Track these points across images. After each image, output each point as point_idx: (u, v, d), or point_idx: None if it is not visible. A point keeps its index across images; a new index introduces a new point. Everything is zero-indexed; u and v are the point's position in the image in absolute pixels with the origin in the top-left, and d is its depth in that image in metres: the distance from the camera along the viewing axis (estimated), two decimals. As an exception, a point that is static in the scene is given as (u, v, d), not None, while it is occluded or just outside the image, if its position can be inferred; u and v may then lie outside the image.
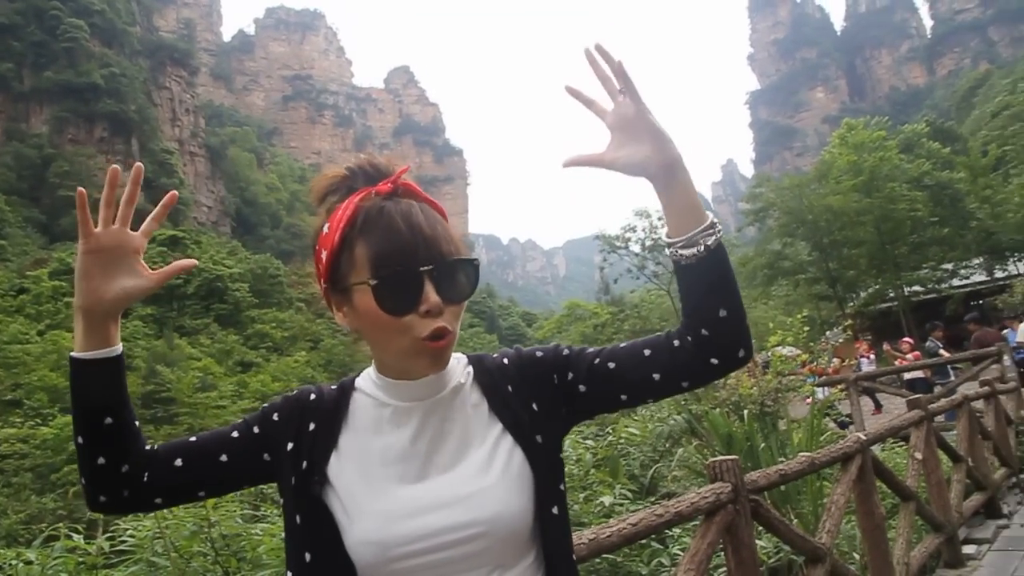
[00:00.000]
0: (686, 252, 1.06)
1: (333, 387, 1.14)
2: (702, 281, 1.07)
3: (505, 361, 1.17)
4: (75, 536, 3.19)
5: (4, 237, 66.97)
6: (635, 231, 33.01)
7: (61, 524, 3.33)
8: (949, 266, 26.79)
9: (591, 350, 1.17)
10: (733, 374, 7.38)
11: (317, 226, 1.08)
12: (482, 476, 1.05)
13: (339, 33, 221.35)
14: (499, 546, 1.03)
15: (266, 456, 1.09)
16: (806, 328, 8.71)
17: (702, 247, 1.06)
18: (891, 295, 26.77)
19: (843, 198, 25.40)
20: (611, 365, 1.13)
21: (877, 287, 26.70)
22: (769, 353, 7.91)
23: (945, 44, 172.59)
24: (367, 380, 1.13)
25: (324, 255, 1.05)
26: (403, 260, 1.00)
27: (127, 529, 3.41)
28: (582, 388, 1.13)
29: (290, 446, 1.08)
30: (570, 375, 1.14)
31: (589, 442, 5.24)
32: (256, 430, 1.10)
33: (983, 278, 27.17)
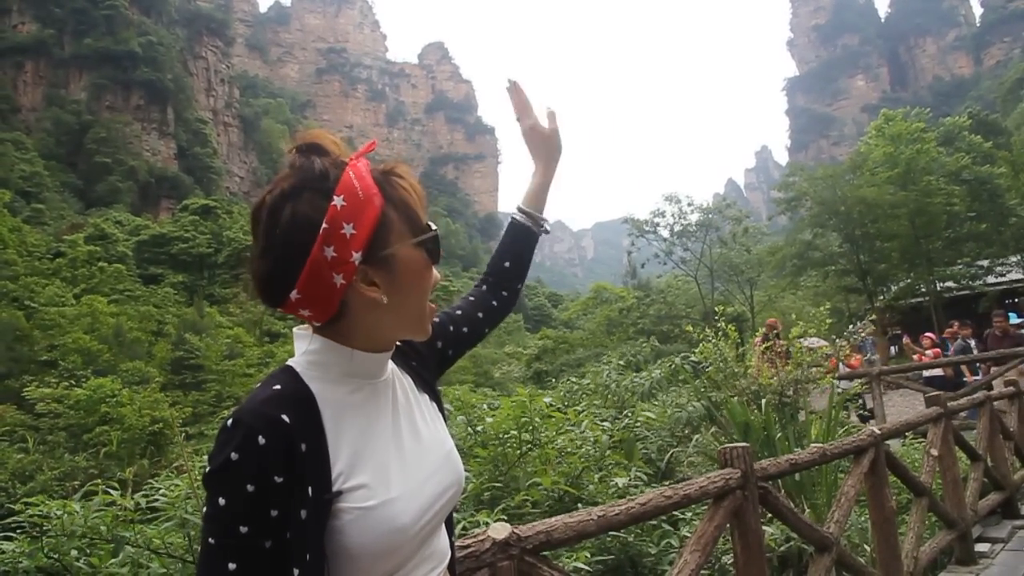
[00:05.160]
0: (528, 223, 1.49)
1: (283, 399, 0.97)
2: (529, 248, 1.49)
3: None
4: (112, 492, 3.37)
5: (42, 201, 68.31)
6: (664, 216, 32.87)
7: (99, 481, 3.52)
8: (985, 263, 26.16)
9: (445, 319, 1.35)
10: (753, 363, 7.41)
11: (310, 209, 0.96)
12: (445, 439, 1.16)
13: (374, 7, 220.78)
14: (456, 499, 1.16)
15: (274, 513, 0.94)
16: (829, 320, 8.64)
17: (544, 227, 1.51)
18: (922, 290, 26.26)
19: (878, 190, 24.85)
20: (465, 329, 1.37)
21: (908, 281, 26.19)
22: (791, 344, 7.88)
23: (994, 33, 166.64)
24: (315, 372, 1.03)
25: (353, 228, 0.96)
26: (425, 218, 1.07)
27: (159, 488, 3.60)
28: (450, 352, 1.35)
29: (289, 481, 0.94)
30: (439, 344, 1.31)
31: (607, 424, 5.31)
32: (274, 512, 0.93)
33: (1020, 276, 26.53)
